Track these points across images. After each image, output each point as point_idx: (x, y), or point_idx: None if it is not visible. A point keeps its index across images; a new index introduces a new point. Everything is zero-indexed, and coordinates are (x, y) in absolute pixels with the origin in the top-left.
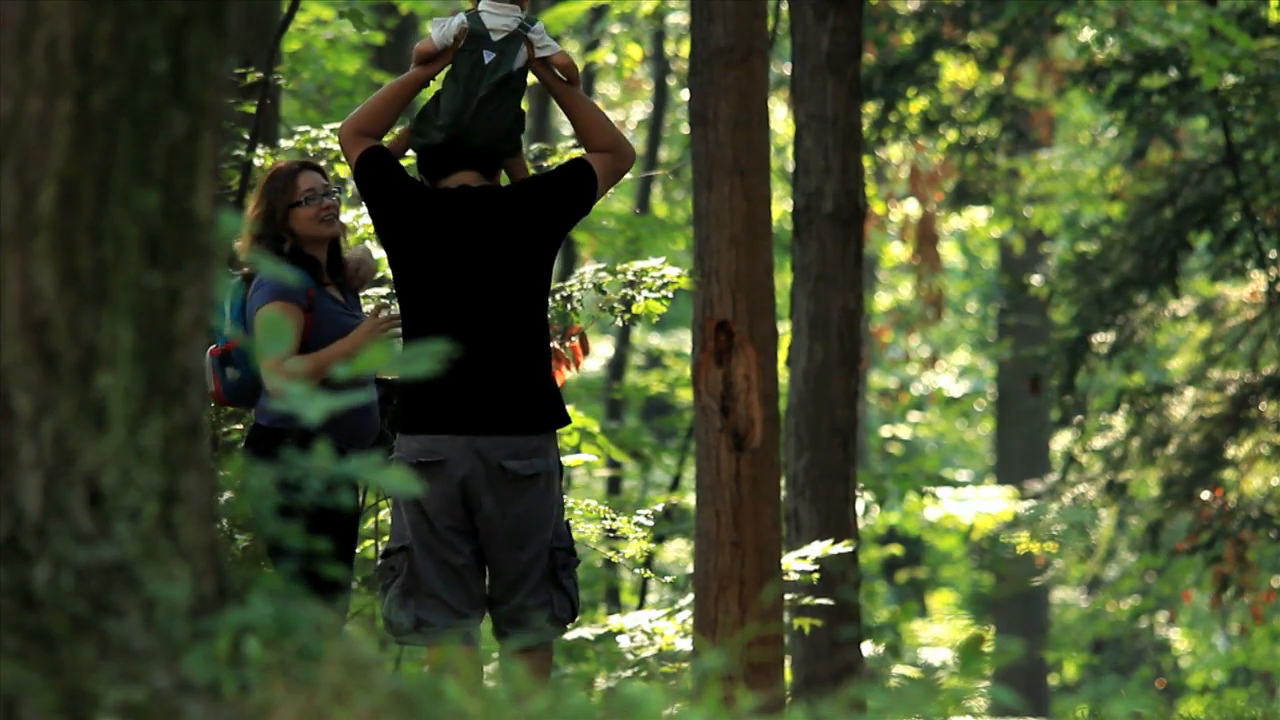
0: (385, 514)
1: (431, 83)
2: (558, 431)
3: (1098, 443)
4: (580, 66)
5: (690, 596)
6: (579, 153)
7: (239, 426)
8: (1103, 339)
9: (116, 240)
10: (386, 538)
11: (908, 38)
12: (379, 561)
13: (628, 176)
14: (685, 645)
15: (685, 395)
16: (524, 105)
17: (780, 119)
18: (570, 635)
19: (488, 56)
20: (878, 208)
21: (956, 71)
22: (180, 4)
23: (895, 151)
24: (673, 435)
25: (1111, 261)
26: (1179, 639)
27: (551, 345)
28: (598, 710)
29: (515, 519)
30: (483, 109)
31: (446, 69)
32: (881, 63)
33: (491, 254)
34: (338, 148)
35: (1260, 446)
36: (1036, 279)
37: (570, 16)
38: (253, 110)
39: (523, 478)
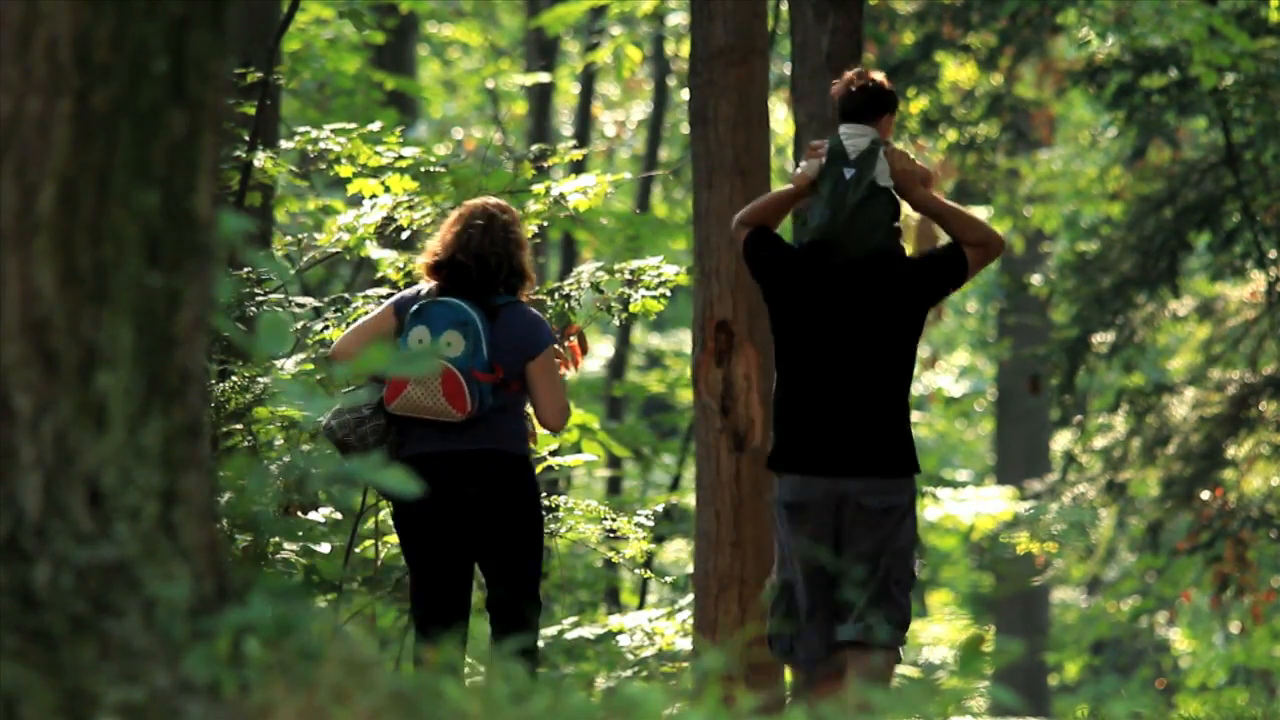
0: (385, 514)
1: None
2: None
3: (1098, 443)
4: (580, 67)
5: (690, 596)
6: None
7: (239, 426)
8: (1103, 339)
9: (116, 240)
10: (386, 538)
11: (908, 38)
12: (772, 594)
13: (627, 175)
14: (685, 645)
15: (685, 395)
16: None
17: (780, 119)
18: (570, 635)
19: (847, 173)
20: None
21: (956, 71)
22: (180, 4)
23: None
24: (673, 433)
25: (1111, 261)
26: (1179, 639)
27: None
28: (598, 710)
29: (874, 545)
30: (852, 223)
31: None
32: (881, 63)
33: (863, 317)
34: (337, 149)
35: (1260, 446)
36: (1036, 279)
37: (570, 16)
38: (253, 110)
39: (879, 511)
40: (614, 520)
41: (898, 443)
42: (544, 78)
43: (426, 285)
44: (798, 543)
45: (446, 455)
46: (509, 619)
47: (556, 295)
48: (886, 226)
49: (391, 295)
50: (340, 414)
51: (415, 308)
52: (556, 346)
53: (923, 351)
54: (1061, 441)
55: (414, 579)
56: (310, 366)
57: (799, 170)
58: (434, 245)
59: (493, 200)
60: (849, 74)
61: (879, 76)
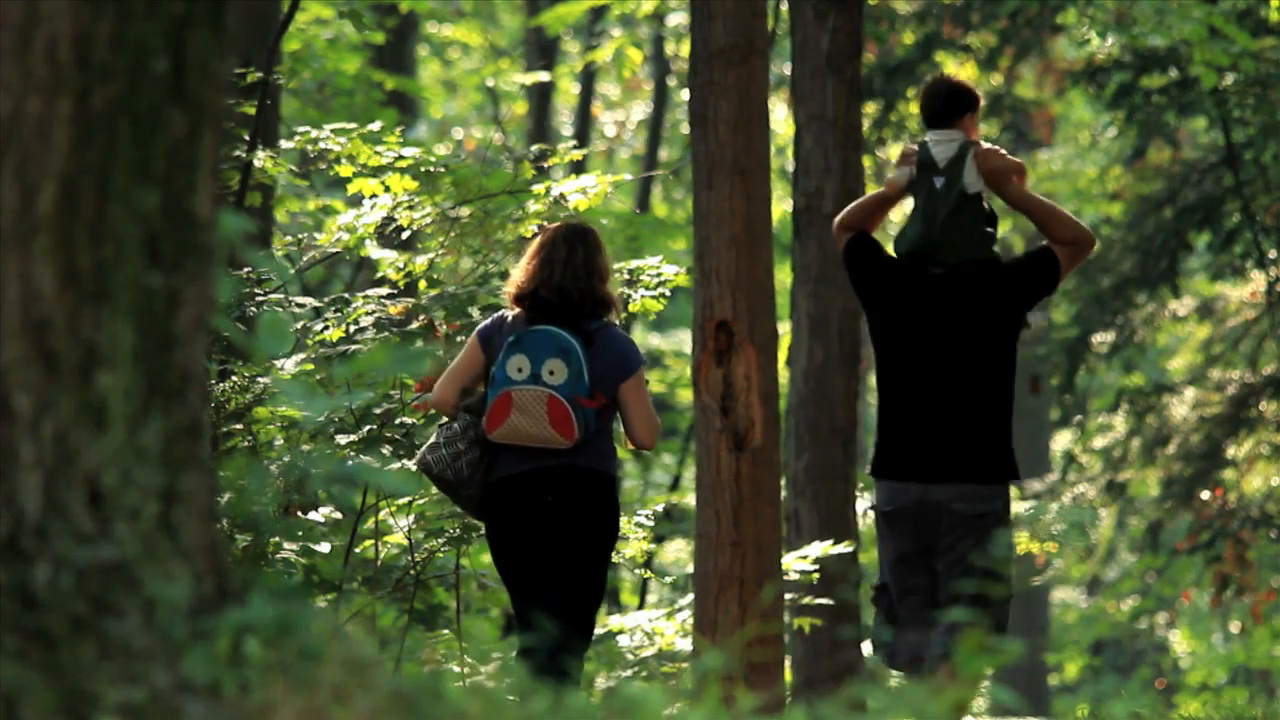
0: (385, 514)
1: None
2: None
3: (1098, 443)
4: (580, 66)
5: (690, 596)
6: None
7: (239, 426)
8: (1103, 339)
9: (116, 240)
10: (386, 538)
11: (908, 38)
12: (871, 595)
13: (627, 176)
14: (685, 645)
15: (685, 395)
16: (992, 221)
17: (780, 119)
18: None
19: (937, 182)
20: None
21: (956, 71)
22: (180, 4)
23: (895, 151)
24: (673, 433)
25: (1111, 261)
26: (1179, 639)
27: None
28: (598, 710)
29: (966, 553)
30: (946, 230)
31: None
32: (881, 63)
33: (958, 325)
34: (337, 148)
35: (1260, 446)
36: None
37: (570, 16)
38: (253, 110)
39: (972, 516)
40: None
41: (990, 449)
42: (544, 77)
43: (510, 313)
44: (892, 548)
45: (534, 472)
46: (563, 625)
47: None
48: (979, 234)
49: (392, 295)
50: (436, 449)
51: (513, 336)
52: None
53: None
54: (1061, 441)
55: (510, 592)
56: (310, 366)
57: (890, 177)
58: (517, 275)
59: (576, 226)
60: (928, 78)
61: (957, 77)
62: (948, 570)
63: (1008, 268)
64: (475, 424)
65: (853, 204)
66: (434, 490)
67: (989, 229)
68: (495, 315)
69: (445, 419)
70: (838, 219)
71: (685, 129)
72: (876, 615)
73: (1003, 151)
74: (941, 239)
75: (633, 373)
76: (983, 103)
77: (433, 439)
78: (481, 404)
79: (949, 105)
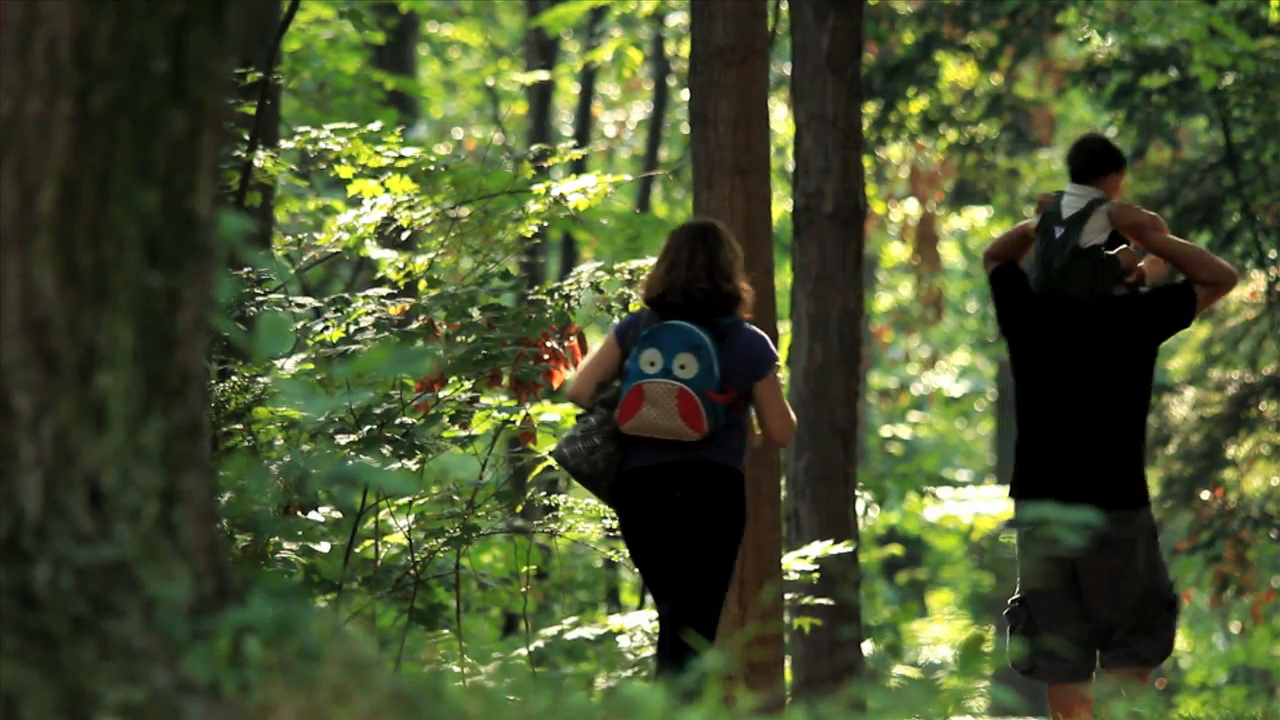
0: (385, 514)
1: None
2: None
3: None
4: (580, 66)
5: None
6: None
7: (239, 426)
8: None
9: (116, 240)
10: (386, 538)
11: (908, 38)
12: (1008, 607)
13: (627, 176)
14: None
15: None
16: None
17: (780, 119)
18: (570, 635)
19: (1056, 232)
20: (878, 208)
21: (956, 71)
22: (180, 4)
23: (895, 151)
24: None
25: None
26: (1179, 639)
27: (551, 345)
28: (598, 710)
29: (1107, 575)
30: (1061, 279)
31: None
32: (881, 63)
33: (1092, 355)
34: (337, 148)
35: (1260, 446)
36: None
37: (570, 17)
38: (253, 110)
39: (1112, 541)
40: (614, 520)
41: (1124, 475)
42: (544, 77)
43: (645, 310)
44: (1027, 566)
45: (663, 466)
46: (686, 624)
47: (556, 295)
48: (1092, 283)
49: (392, 295)
50: (573, 442)
51: (647, 331)
52: (562, 343)
53: (923, 352)
54: None
55: (646, 583)
56: (310, 366)
57: (1027, 221)
58: (649, 280)
59: (696, 226)
60: (1081, 135)
61: (1105, 137)
62: (1095, 591)
63: (1144, 300)
64: (610, 418)
65: (999, 235)
66: (434, 490)
67: (1108, 274)
68: (632, 313)
69: (581, 412)
70: (986, 249)
71: (685, 129)
72: (1012, 628)
73: (1136, 207)
74: (1059, 286)
75: (766, 370)
76: (1126, 162)
77: (570, 432)
78: (617, 398)
79: (1090, 164)
